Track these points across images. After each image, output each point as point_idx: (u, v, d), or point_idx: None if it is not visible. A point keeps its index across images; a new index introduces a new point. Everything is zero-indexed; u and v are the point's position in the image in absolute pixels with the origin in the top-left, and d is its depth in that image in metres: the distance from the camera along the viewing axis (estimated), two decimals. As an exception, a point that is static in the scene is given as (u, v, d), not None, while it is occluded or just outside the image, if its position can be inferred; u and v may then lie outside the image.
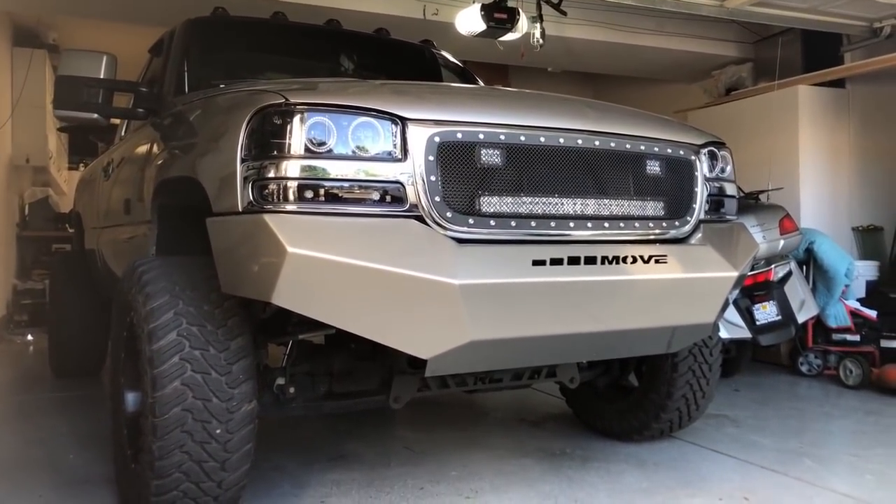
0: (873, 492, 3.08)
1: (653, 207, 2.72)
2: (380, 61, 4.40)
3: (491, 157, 2.38)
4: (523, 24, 5.61)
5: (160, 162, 3.07)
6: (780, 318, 5.23)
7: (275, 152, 2.21)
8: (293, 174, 2.19)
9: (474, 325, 2.24)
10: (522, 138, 2.44)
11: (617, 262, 2.51)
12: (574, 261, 2.42)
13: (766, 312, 5.21)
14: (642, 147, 2.71)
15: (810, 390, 5.21)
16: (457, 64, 4.58)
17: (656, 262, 2.59)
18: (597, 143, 2.59)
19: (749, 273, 4.99)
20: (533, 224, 2.43)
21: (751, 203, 5.70)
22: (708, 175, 2.92)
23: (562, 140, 2.51)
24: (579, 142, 2.55)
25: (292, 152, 2.20)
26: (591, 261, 2.45)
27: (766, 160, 6.36)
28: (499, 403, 4.58)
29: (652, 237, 2.71)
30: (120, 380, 2.76)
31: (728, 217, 3.03)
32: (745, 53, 7.44)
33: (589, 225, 2.54)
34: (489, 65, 7.59)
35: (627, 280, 2.54)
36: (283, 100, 2.25)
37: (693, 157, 2.86)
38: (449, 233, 2.29)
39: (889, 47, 6.03)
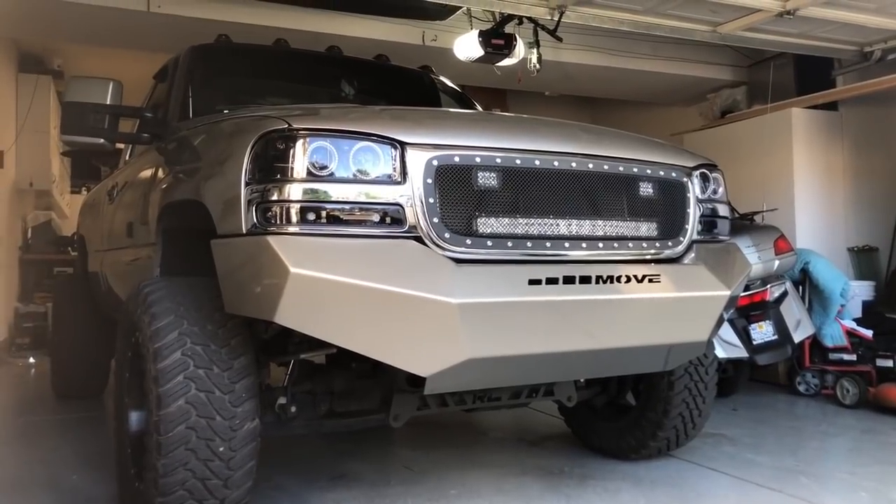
0: (868, 508, 3.13)
1: (646, 228, 2.79)
2: (380, 87, 4.49)
3: (487, 179, 2.44)
4: (520, 49, 5.72)
5: (165, 186, 3.14)
6: (776, 337, 5.28)
7: (278, 176, 2.28)
8: (296, 197, 2.26)
9: (472, 343, 2.30)
10: (518, 161, 2.51)
11: (611, 282, 2.56)
12: (569, 280, 2.48)
13: (763, 332, 5.25)
14: (635, 169, 2.78)
15: (808, 409, 5.24)
16: (455, 89, 4.67)
17: (650, 281, 2.65)
18: (590, 165, 2.66)
19: (745, 293, 5.08)
20: (529, 244, 2.49)
21: (746, 224, 5.76)
22: (700, 196, 2.98)
23: (556, 163, 2.59)
24: (573, 165, 2.62)
25: (295, 176, 2.27)
26: (585, 280, 2.51)
27: (760, 182, 6.45)
28: (498, 423, 4.61)
29: (646, 257, 2.77)
30: (124, 399, 2.80)
31: (721, 237, 3.09)
32: (740, 77, 7.56)
33: (583, 245, 2.60)
34: (487, 89, 7.71)
35: (621, 299, 2.59)
36: (286, 125, 2.33)
37: (685, 179, 2.93)
38: (447, 253, 2.36)
39: (879, 70, 6.14)
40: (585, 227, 2.63)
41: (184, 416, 2.34)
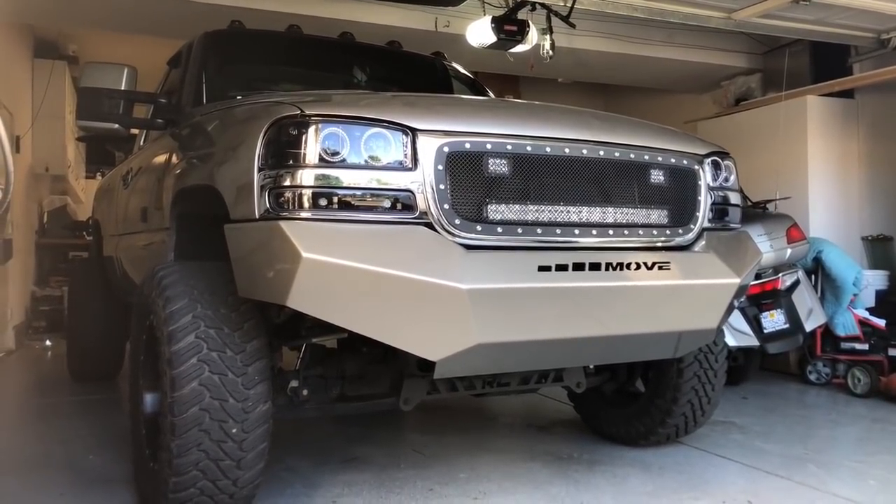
0: (875, 496, 3.13)
1: (657, 215, 2.79)
2: (392, 73, 4.49)
3: (498, 166, 2.45)
4: (533, 36, 5.69)
5: (179, 171, 3.17)
6: (787, 326, 5.27)
7: (290, 162, 2.30)
8: (308, 183, 2.27)
9: (481, 328, 2.32)
10: (529, 148, 2.52)
11: (621, 269, 2.57)
12: (579, 267, 2.49)
13: (774, 321, 5.25)
14: (646, 157, 2.78)
15: (818, 398, 5.24)
16: (467, 75, 4.67)
17: (660, 268, 2.66)
18: (601, 152, 2.67)
19: (756, 281, 5.07)
20: (539, 231, 2.50)
21: (758, 212, 5.74)
22: (711, 184, 2.98)
23: (567, 150, 2.59)
24: (584, 152, 2.63)
25: (307, 162, 2.28)
26: (595, 267, 2.52)
27: (774, 170, 6.40)
28: (507, 409, 4.64)
29: (656, 244, 2.78)
30: (139, 381, 2.85)
31: (732, 225, 3.09)
32: (755, 64, 7.49)
33: (594, 232, 2.61)
34: (500, 76, 7.69)
35: (631, 286, 2.60)
36: (299, 111, 2.34)
37: (696, 167, 2.93)
38: (457, 239, 2.37)
39: (897, 58, 6.08)
40: (596, 214, 2.63)
41: (197, 397, 2.37)
